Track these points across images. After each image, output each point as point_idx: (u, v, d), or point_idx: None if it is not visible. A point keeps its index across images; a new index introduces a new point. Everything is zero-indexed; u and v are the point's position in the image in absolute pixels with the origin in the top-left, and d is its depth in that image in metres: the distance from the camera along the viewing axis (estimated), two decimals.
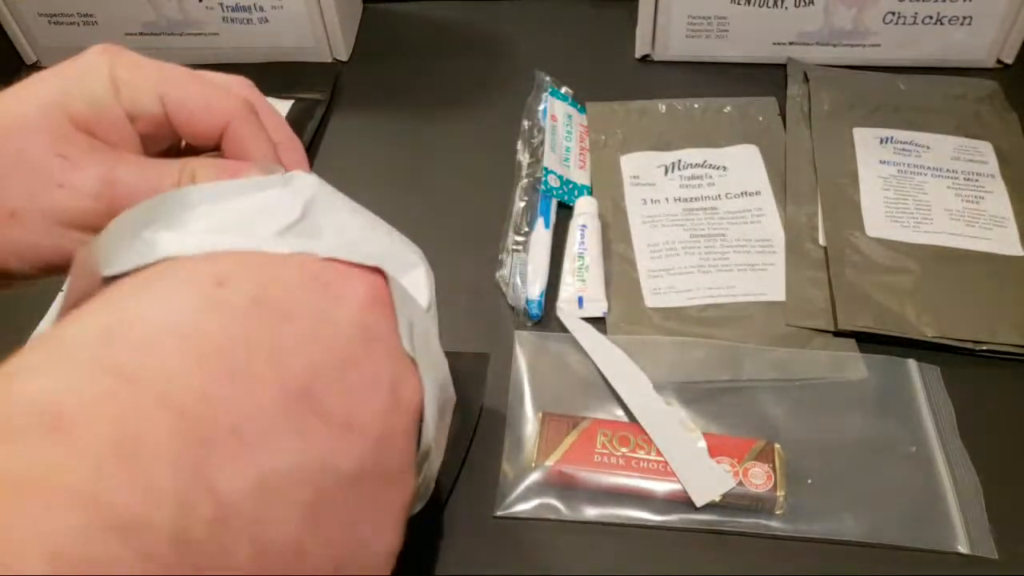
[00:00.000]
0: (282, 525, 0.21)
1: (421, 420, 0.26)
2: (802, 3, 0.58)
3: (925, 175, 0.53)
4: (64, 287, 0.26)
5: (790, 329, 0.46)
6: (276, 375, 0.22)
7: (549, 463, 0.40)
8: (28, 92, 0.30)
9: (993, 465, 0.40)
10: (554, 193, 0.52)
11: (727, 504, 0.39)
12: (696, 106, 0.58)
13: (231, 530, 0.19)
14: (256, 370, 0.21)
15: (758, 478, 0.39)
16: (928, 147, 0.54)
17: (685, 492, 0.39)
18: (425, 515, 0.39)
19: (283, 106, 0.60)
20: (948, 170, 0.53)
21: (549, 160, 0.53)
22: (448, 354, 0.44)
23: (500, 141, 0.57)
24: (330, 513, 0.22)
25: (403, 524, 0.26)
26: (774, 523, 0.38)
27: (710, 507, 0.39)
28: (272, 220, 0.26)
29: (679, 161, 0.55)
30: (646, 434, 0.41)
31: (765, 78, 0.61)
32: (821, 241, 0.50)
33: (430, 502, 0.39)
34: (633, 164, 0.55)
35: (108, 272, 0.24)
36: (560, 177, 0.53)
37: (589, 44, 0.65)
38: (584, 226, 0.49)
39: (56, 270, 0.30)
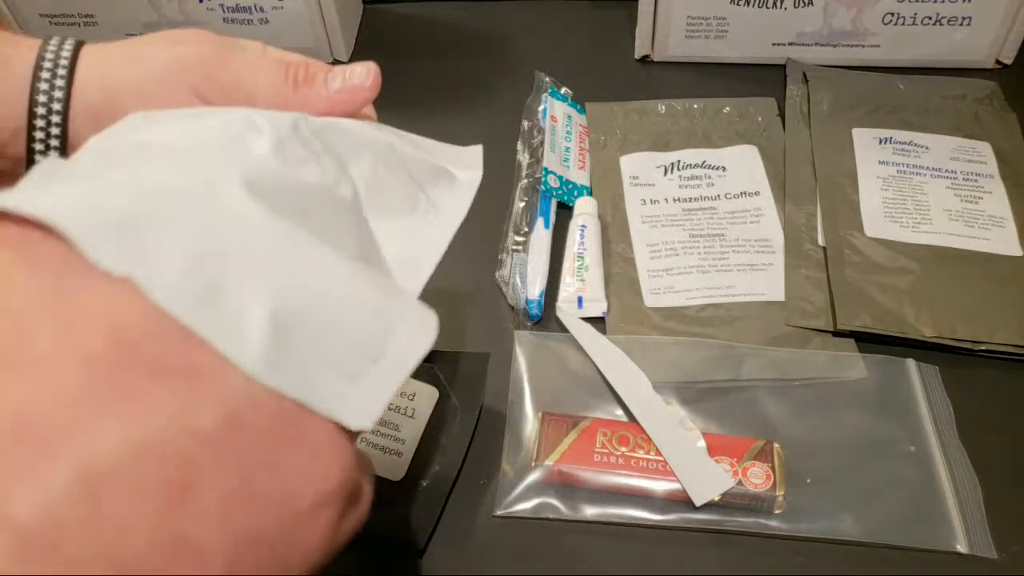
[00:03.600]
0: (136, 521, 0.17)
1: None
2: (801, 4, 0.58)
3: (924, 175, 0.53)
4: None
5: (789, 329, 0.46)
6: (69, 340, 0.18)
7: (549, 462, 0.40)
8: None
9: (992, 464, 0.40)
10: (554, 193, 0.52)
11: (726, 503, 0.39)
12: (695, 106, 0.58)
13: (58, 552, 0.16)
14: (39, 347, 0.17)
15: (757, 477, 0.39)
16: (927, 147, 0.54)
17: (684, 491, 0.39)
18: (425, 514, 0.39)
19: None
20: (947, 170, 0.53)
21: (549, 160, 0.53)
22: (448, 354, 0.45)
23: (500, 141, 0.57)
24: (205, 488, 0.18)
25: (337, 469, 0.22)
26: (773, 522, 0.38)
27: (709, 506, 0.39)
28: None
29: (678, 161, 0.55)
30: (645, 434, 0.41)
31: (764, 78, 0.61)
32: (820, 241, 0.50)
33: (430, 502, 0.39)
34: (632, 164, 0.55)
35: None
36: (560, 177, 0.53)
37: (589, 44, 0.65)
38: (584, 226, 0.50)
39: None
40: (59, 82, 0.30)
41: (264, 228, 0.22)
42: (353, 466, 0.22)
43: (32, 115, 0.30)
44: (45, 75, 0.30)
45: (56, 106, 0.30)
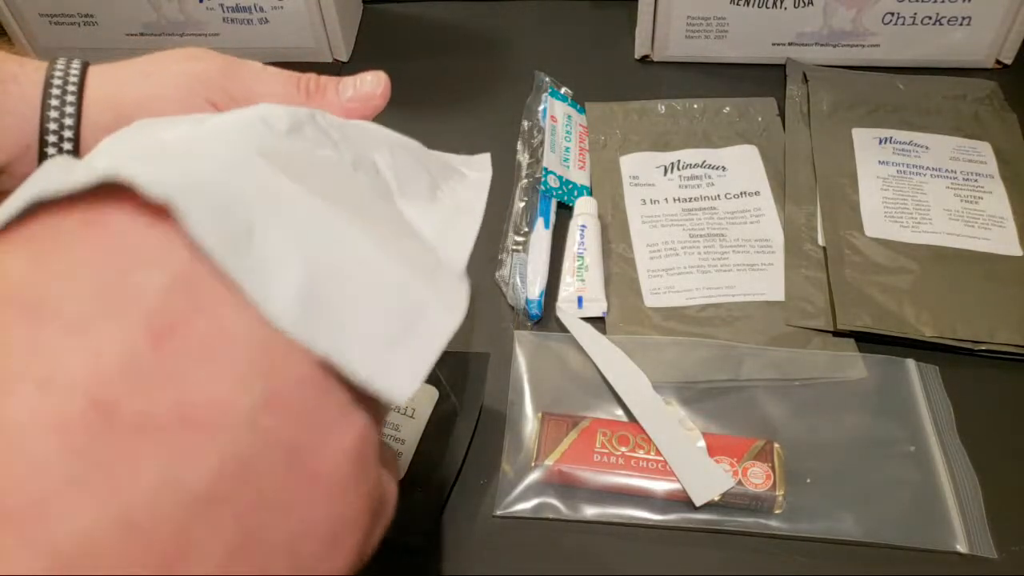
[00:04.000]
0: None
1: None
2: (801, 4, 0.58)
3: (924, 175, 0.53)
4: None
5: (789, 329, 0.46)
6: (44, 404, 0.16)
7: (549, 462, 0.40)
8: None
9: (992, 464, 0.40)
10: (554, 193, 0.52)
11: (726, 503, 0.39)
12: (695, 106, 0.58)
13: None
14: (11, 412, 0.16)
15: (757, 477, 0.39)
16: (927, 147, 0.54)
17: (684, 491, 0.39)
18: (425, 514, 0.39)
19: None
20: (947, 170, 0.53)
21: (549, 160, 0.53)
22: (448, 354, 0.45)
23: (500, 141, 0.57)
24: (202, 553, 0.17)
25: (353, 498, 0.20)
26: (773, 522, 0.38)
27: (709, 506, 0.39)
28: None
29: (678, 161, 0.55)
30: (645, 433, 0.41)
31: (764, 78, 0.61)
32: (820, 241, 0.50)
33: (430, 502, 0.39)
34: (632, 164, 0.55)
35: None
36: (560, 177, 0.53)
37: (589, 44, 0.65)
38: (584, 226, 0.50)
39: None
40: (69, 98, 0.31)
41: (289, 195, 0.21)
42: (377, 485, 0.21)
43: (44, 131, 0.31)
44: (55, 91, 0.31)
45: (68, 121, 0.31)
